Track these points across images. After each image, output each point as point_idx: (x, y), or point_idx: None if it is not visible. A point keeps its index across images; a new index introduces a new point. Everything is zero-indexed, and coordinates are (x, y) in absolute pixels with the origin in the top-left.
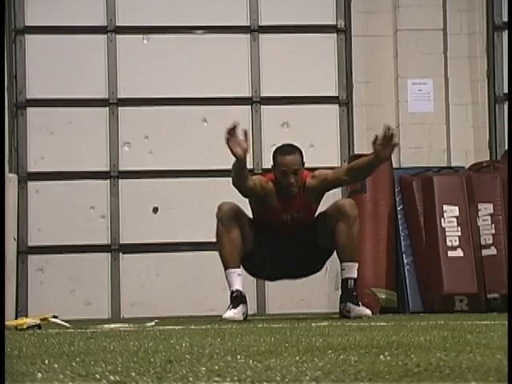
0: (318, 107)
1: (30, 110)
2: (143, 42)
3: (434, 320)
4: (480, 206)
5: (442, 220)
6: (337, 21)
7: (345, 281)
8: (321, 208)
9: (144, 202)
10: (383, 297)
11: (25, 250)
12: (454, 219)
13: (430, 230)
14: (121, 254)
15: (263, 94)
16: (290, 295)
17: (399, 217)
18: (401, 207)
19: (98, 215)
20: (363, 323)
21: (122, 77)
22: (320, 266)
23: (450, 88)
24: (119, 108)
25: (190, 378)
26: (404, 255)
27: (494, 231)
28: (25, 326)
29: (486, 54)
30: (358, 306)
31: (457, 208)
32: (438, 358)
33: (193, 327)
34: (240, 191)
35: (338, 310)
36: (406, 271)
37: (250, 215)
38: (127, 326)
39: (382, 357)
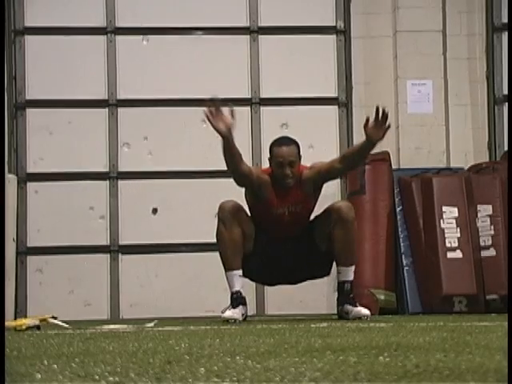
0: (318, 108)
1: (29, 110)
2: (143, 43)
3: (433, 321)
4: (479, 207)
5: (442, 221)
6: (336, 22)
7: (341, 283)
8: (319, 209)
9: (143, 203)
10: (382, 298)
11: (24, 251)
12: (454, 220)
13: (430, 231)
14: (120, 254)
15: (263, 95)
16: (289, 296)
17: (398, 218)
18: (400, 208)
19: (97, 216)
20: (362, 324)
21: (121, 78)
22: (325, 271)
23: (450, 89)
24: (119, 109)
25: (189, 379)
26: (403, 256)
27: (493, 232)
28: (24, 327)
29: (485, 55)
30: (356, 307)
31: (456, 209)
32: (437, 359)
33: (192, 328)
34: (234, 177)
35: (336, 311)
36: (405, 272)
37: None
38: (126, 326)
39: (381, 358)
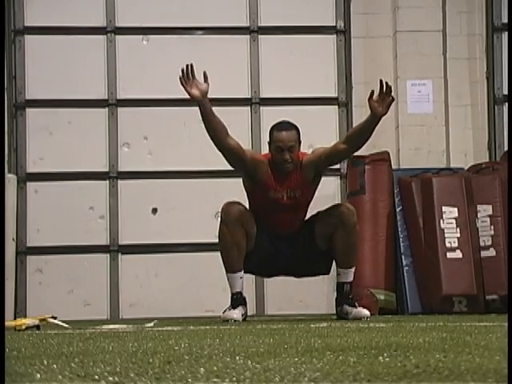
0: (318, 108)
1: (29, 110)
2: (143, 43)
3: (432, 321)
4: (479, 207)
5: (441, 221)
6: (336, 22)
7: (340, 284)
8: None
9: (143, 203)
10: (382, 298)
11: (24, 251)
12: (453, 220)
13: (429, 232)
14: (120, 254)
15: (262, 95)
16: (288, 296)
17: (398, 218)
18: (400, 208)
19: (97, 216)
20: (362, 324)
21: (121, 77)
22: (325, 269)
23: (450, 89)
24: (118, 108)
25: (189, 379)
26: (403, 256)
27: (492, 232)
28: (23, 327)
29: (485, 55)
30: (355, 307)
31: (456, 209)
32: (437, 360)
33: (192, 328)
34: (223, 154)
35: (335, 312)
36: (404, 272)
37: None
38: (126, 326)
39: (380, 358)
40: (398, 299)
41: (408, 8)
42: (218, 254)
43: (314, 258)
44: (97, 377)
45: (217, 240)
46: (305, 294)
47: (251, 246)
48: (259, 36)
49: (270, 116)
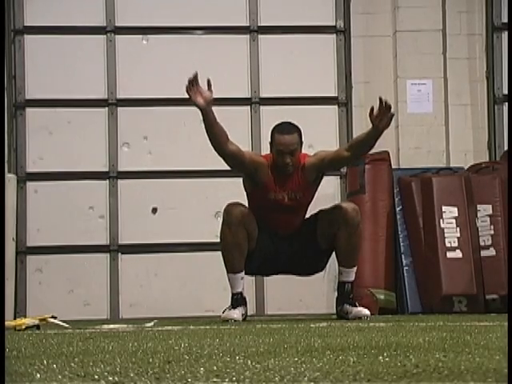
0: (318, 108)
1: (29, 110)
2: (142, 43)
3: (432, 321)
4: (479, 206)
5: (441, 221)
6: (336, 21)
7: (341, 284)
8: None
9: (143, 203)
10: (382, 297)
11: (23, 251)
12: (453, 220)
13: (429, 231)
14: (120, 254)
15: (262, 95)
16: (288, 296)
17: (398, 217)
18: (400, 208)
19: (96, 215)
20: (362, 324)
21: (121, 77)
22: (321, 266)
23: (450, 89)
24: (118, 108)
25: (189, 379)
26: (403, 256)
27: (492, 232)
28: (23, 327)
29: (485, 54)
30: (356, 307)
31: (456, 209)
32: (437, 359)
33: (191, 328)
34: (223, 158)
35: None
36: (404, 272)
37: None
38: (126, 326)
39: (380, 358)
40: (398, 299)
41: (408, 7)
42: (218, 253)
43: (315, 257)
44: (97, 376)
45: (217, 240)
46: (305, 294)
47: (252, 246)
48: (259, 36)
49: (270, 115)
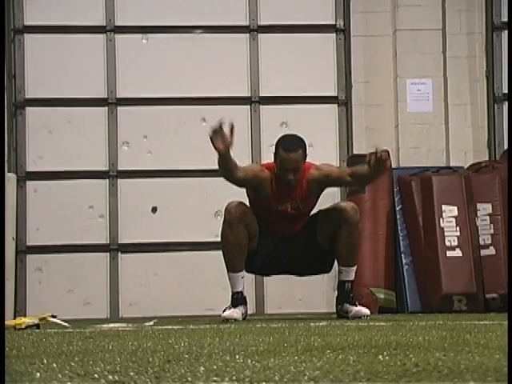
0: (317, 107)
1: (28, 109)
2: (142, 42)
3: (432, 320)
4: (479, 206)
5: (441, 220)
6: (336, 20)
7: (342, 283)
8: (319, 208)
9: (143, 202)
10: (382, 297)
11: (23, 250)
12: (453, 219)
13: (429, 230)
14: (119, 253)
15: (262, 94)
16: (288, 295)
17: (398, 217)
18: (400, 207)
19: (96, 215)
20: (362, 323)
21: (120, 76)
22: (326, 267)
23: (449, 88)
24: (118, 107)
25: (189, 378)
26: (403, 255)
27: (492, 231)
28: (23, 326)
29: (485, 53)
30: (356, 306)
31: (456, 208)
32: (437, 358)
33: (191, 327)
34: (232, 183)
35: (335, 310)
36: (404, 271)
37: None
38: (126, 325)
39: (380, 357)
40: (398, 298)
41: (407, 6)
42: (218, 252)
43: (316, 257)
44: (96, 375)
45: (217, 239)
46: (304, 293)
47: (253, 245)
48: (259, 35)
49: (270, 115)
